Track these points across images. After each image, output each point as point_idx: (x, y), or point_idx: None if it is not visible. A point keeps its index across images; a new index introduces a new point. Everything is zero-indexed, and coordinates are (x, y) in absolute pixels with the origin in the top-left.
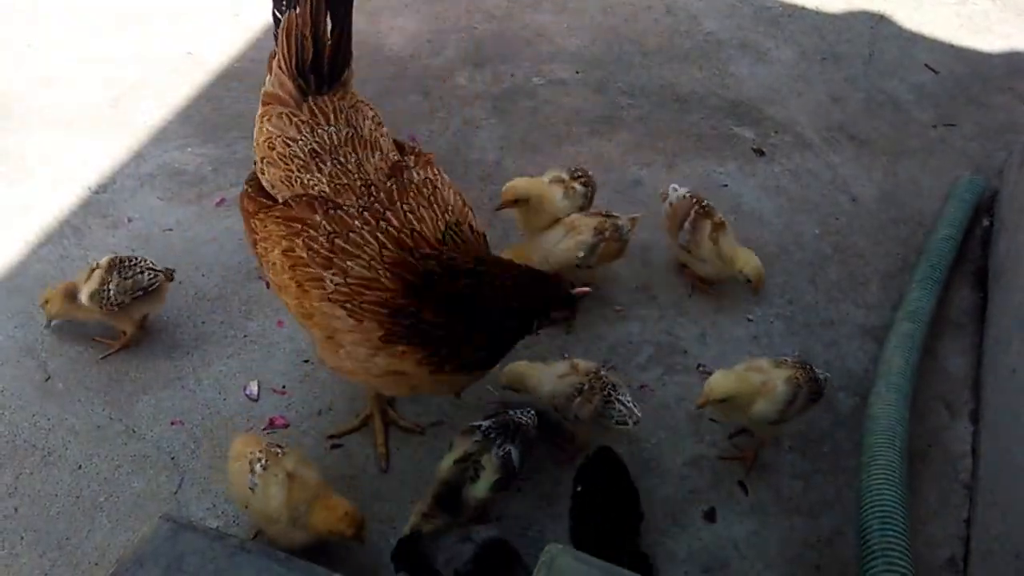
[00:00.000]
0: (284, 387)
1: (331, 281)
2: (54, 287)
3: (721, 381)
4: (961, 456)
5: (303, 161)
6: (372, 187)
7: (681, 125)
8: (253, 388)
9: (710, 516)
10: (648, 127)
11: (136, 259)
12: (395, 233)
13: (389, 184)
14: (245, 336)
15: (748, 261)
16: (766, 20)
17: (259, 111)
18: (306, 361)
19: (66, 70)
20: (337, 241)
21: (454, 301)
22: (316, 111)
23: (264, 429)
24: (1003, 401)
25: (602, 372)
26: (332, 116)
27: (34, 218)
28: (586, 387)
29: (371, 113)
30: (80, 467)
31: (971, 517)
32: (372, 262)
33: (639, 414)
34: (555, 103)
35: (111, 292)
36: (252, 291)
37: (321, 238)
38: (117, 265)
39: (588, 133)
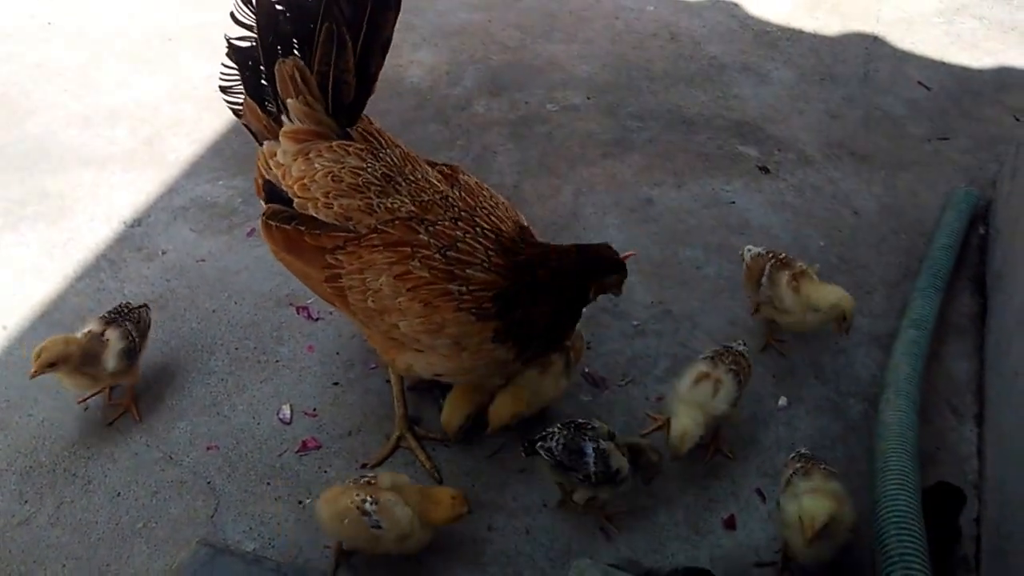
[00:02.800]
0: (315, 410)
1: (458, 292)
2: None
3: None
4: (968, 457)
5: (380, 186)
6: (448, 198)
7: (689, 145)
8: (286, 411)
9: (730, 524)
10: (657, 148)
11: (118, 307)
12: (491, 234)
13: (455, 192)
14: (277, 361)
15: (840, 295)
16: (766, 44)
17: (289, 149)
18: (335, 384)
19: (101, 111)
20: (450, 253)
21: (545, 286)
22: (368, 137)
23: (297, 451)
24: (1006, 403)
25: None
26: (381, 139)
27: (72, 253)
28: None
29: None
30: (119, 494)
31: (981, 516)
32: (484, 264)
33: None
34: (568, 128)
35: (136, 340)
36: (283, 317)
37: (435, 254)
38: (113, 319)
39: (601, 155)
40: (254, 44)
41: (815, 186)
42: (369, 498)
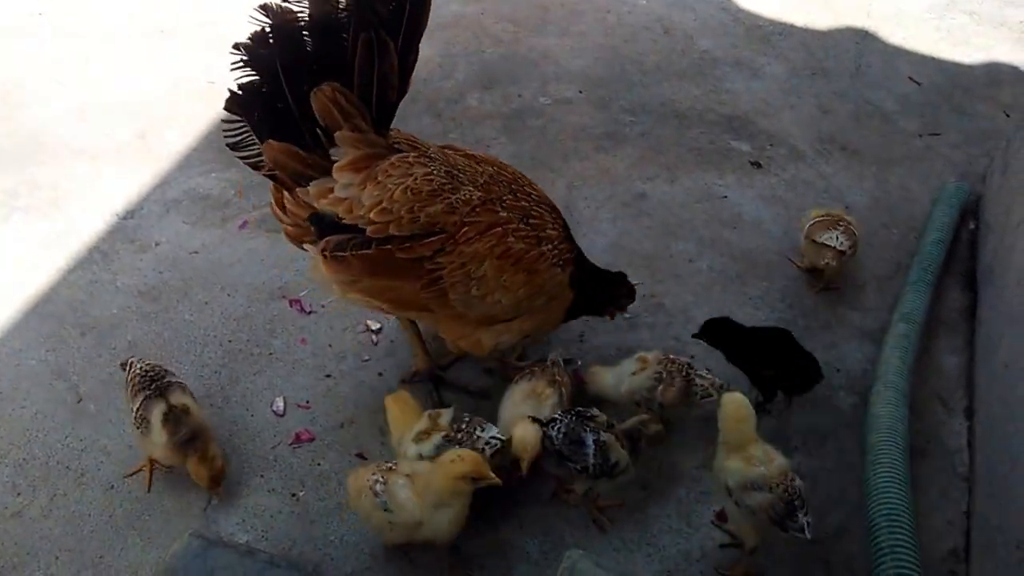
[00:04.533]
0: (308, 402)
1: (548, 251)
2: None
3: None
4: (958, 450)
5: (450, 184)
6: (490, 174)
7: (681, 140)
8: (279, 404)
9: (722, 516)
10: (650, 142)
11: (149, 376)
12: (536, 196)
13: (493, 170)
14: (270, 354)
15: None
16: (758, 38)
17: (352, 180)
18: (328, 376)
19: (94, 104)
20: (531, 221)
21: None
22: (412, 144)
23: (290, 444)
24: (996, 396)
25: (671, 356)
26: (417, 142)
27: (64, 245)
28: (664, 375)
29: None
30: (112, 487)
31: (970, 509)
32: (551, 223)
33: (720, 380)
34: (561, 121)
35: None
36: (276, 310)
37: (520, 225)
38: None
39: (594, 149)
40: (264, 88)
41: (806, 181)
42: (381, 478)
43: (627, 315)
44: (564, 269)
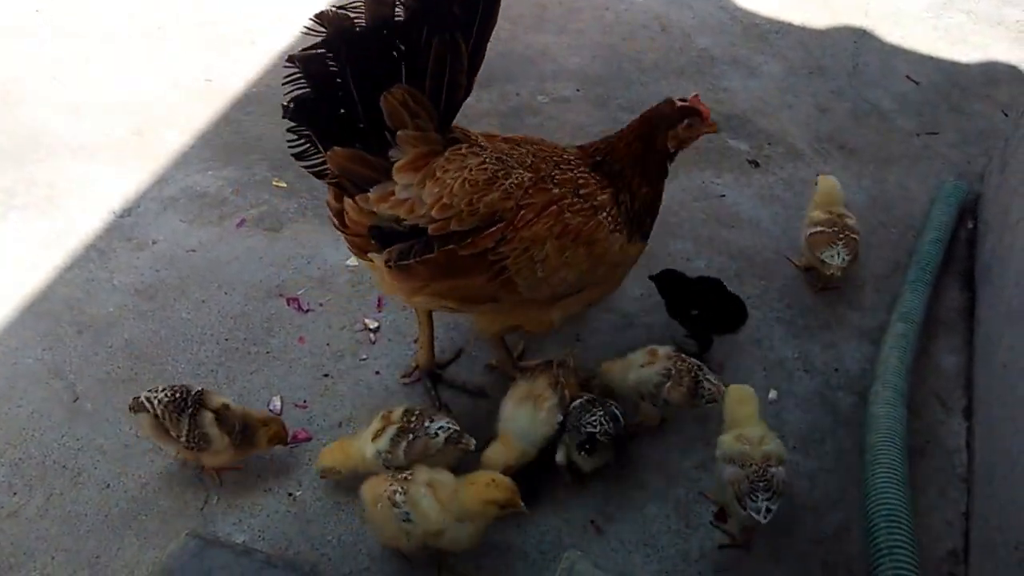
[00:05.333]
0: (305, 401)
1: (604, 219)
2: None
3: None
4: (957, 451)
5: (503, 169)
6: (536, 155)
7: None
8: (276, 403)
9: (720, 516)
10: None
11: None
12: (577, 161)
13: (535, 148)
14: (267, 352)
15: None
16: (755, 37)
17: (411, 180)
18: (326, 375)
19: (92, 102)
20: (582, 192)
21: (632, 159)
22: (462, 136)
23: (288, 443)
24: (994, 396)
25: (682, 355)
26: (465, 132)
27: (61, 243)
28: (672, 372)
29: None
30: (109, 486)
31: (969, 510)
32: (597, 187)
33: (724, 386)
34: (559, 119)
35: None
36: (273, 308)
37: (574, 199)
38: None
39: None
40: (325, 97)
41: (804, 180)
42: (400, 489)
43: (625, 315)
44: (623, 232)
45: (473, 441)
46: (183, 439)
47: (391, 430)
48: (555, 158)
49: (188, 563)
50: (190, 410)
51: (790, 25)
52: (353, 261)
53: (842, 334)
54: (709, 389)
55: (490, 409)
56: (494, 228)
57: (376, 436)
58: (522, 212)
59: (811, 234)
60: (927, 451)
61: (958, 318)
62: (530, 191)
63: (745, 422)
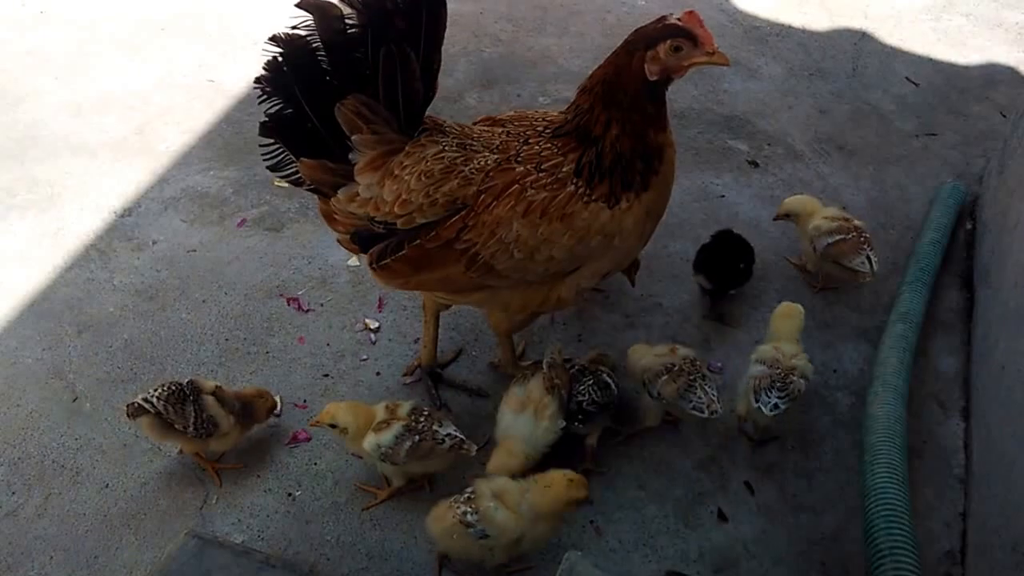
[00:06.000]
0: (305, 401)
1: (576, 189)
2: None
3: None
4: (955, 451)
5: (463, 156)
6: (511, 132)
7: (679, 139)
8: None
9: (720, 516)
10: None
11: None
12: (548, 131)
13: (512, 126)
14: (267, 352)
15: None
16: (755, 39)
17: (371, 180)
18: (326, 375)
19: (91, 100)
20: (544, 165)
21: (607, 101)
22: (432, 127)
23: (287, 443)
24: (992, 397)
25: (697, 361)
26: (436, 122)
27: (61, 243)
28: (675, 368)
29: None
30: (108, 485)
31: (967, 510)
32: (563, 158)
33: (719, 408)
34: None
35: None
36: (273, 308)
37: (538, 175)
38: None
39: None
40: (290, 111)
41: (804, 180)
42: (469, 509)
43: (626, 315)
44: (603, 199)
45: (475, 447)
46: (191, 428)
47: (397, 426)
48: (529, 132)
49: (187, 563)
50: (191, 397)
51: (790, 27)
52: (354, 261)
53: (840, 334)
54: (700, 398)
55: (490, 410)
56: (456, 217)
57: (380, 428)
58: (482, 197)
59: (831, 244)
60: (925, 451)
61: (956, 319)
62: (492, 174)
63: (786, 337)
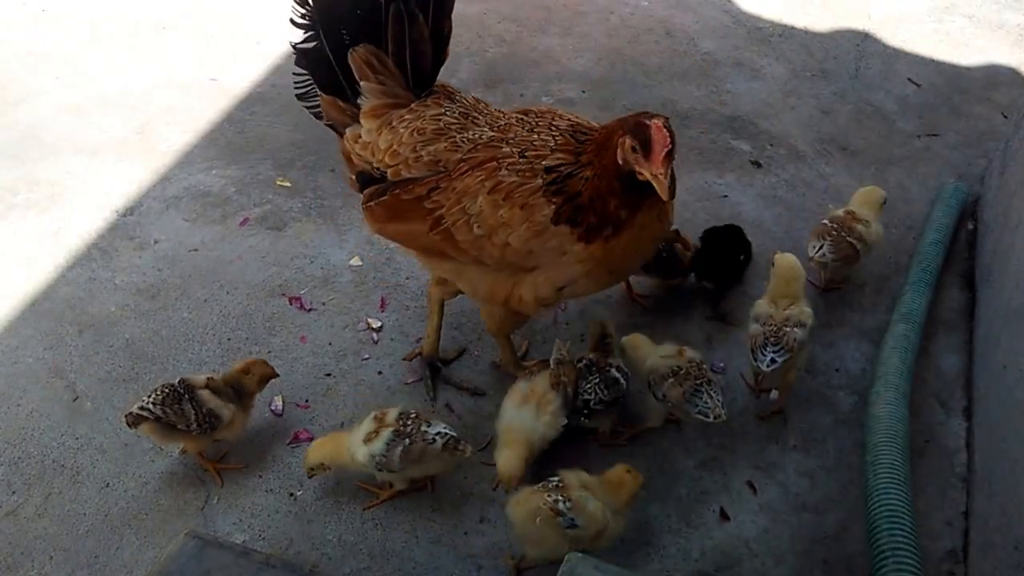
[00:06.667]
0: (307, 401)
1: (543, 184)
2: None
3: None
4: (957, 451)
5: (460, 124)
6: (523, 119)
7: (683, 139)
8: (278, 403)
9: (722, 516)
10: None
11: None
12: (565, 126)
13: (522, 115)
14: (269, 352)
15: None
16: (758, 40)
17: (372, 126)
18: (328, 375)
19: (93, 99)
20: (528, 153)
21: (595, 153)
22: (443, 93)
23: (289, 443)
24: (994, 396)
25: (704, 365)
26: (455, 91)
27: (63, 242)
28: (682, 371)
29: None
30: (108, 485)
31: (969, 509)
32: (550, 154)
33: (724, 414)
34: None
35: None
36: (275, 308)
37: (519, 159)
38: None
39: None
40: (317, 44)
41: (807, 181)
42: (561, 497)
43: (627, 315)
44: (562, 213)
45: (470, 448)
46: (194, 426)
47: (386, 433)
48: (539, 120)
49: (187, 563)
50: (186, 396)
51: (793, 28)
52: (356, 260)
53: (843, 334)
54: (706, 403)
55: (491, 409)
56: (432, 176)
57: (369, 438)
58: (461, 164)
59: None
60: (927, 451)
61: (958, 319)
62: (479, 147)
63: (781, 292)
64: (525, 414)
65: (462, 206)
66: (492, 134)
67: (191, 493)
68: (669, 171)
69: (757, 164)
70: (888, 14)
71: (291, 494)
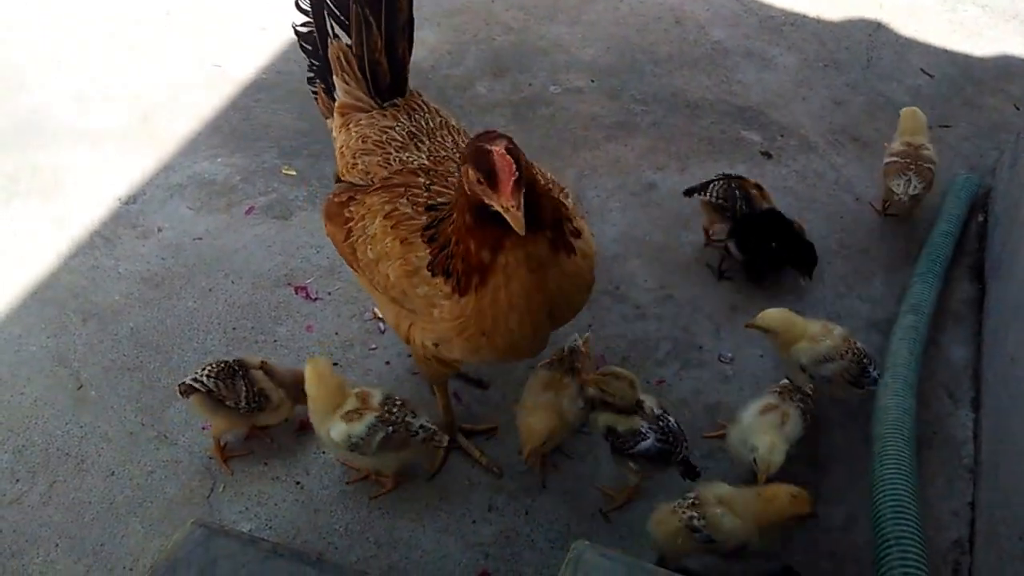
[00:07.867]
0: None
1: (423, 225)
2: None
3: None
4: (964, 442)
5: (401, 142)
6: (459, 155)
7: (692, 130)
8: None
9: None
10: (661, 132)
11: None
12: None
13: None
14: (275, 341)
15: None
16: (770, 29)
17: (337, 122)
18: (334, 364)
19: (96, 86)
20: (432, 187)
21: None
22: (407, 106)
23: (295, 431)
24: (1002, 388)
25: (851, 339)
26: (424, 108)
27: (66, 230)
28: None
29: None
30: (113, 473)
31: (975, 500)
32: (434, 196)
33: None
34: (572, 110)
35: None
36: (281, 297)
37: (424, 192)
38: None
39: (604, 138)
40: (312, 29)
41: (817, 172)
42: (696, 514)
43: (637, 306)
44: (435, 256)
45: (446, 438)
46: (243, 403)
47: (369, 417)
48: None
49: (194, 551)
50: (240, 373)
51: (805, 17)
52: None
53: (852, 325)
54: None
55: (496, 399)
56: (354, 191)
57: (351, 418)
58: (384, 180)
59: (885, 164)
60: (934, 442)
61: (967, 310)
62: (404, 171)
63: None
64: (546, 396)
65: (364, 223)
66: (423, 162)
67: (197, 481)
68: (521, 201)
69: (768, 155)
70: (901, 3)
71: (297, 482)
